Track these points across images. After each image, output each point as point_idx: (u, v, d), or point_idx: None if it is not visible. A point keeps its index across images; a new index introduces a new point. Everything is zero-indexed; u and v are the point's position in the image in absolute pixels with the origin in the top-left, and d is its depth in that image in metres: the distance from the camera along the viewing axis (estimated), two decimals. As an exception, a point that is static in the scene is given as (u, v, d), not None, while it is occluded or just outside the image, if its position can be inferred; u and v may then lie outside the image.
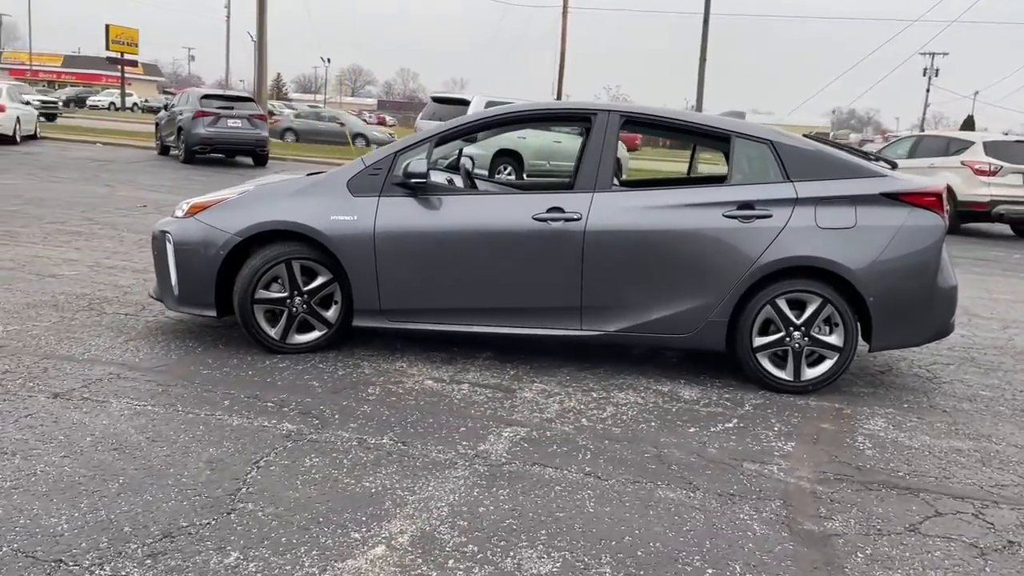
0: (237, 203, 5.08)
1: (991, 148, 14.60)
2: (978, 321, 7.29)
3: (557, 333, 4.93)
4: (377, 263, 4.89)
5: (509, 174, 16.29)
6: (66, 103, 37.20)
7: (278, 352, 5.02)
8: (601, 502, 3.29)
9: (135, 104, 60.68)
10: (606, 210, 4.81)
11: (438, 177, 5.62)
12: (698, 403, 4.60)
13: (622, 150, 18.68)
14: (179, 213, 5.22)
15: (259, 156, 19.91)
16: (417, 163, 4.82)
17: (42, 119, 35.46)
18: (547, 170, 16.27)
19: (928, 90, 69.96)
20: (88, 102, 58.20)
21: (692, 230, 4.77)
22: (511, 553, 2.85)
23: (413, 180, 4.84)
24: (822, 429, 4.31)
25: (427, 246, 4.88)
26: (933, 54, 68.74)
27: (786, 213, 4.76)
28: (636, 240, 4.77)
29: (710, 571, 2.83)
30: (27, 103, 24.72)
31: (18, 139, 21.69)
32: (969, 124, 63.80)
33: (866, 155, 5.38)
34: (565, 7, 37.67)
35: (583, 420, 4.22)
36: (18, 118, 21.73)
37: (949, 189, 14.02)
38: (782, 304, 4.77)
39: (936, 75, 70.37)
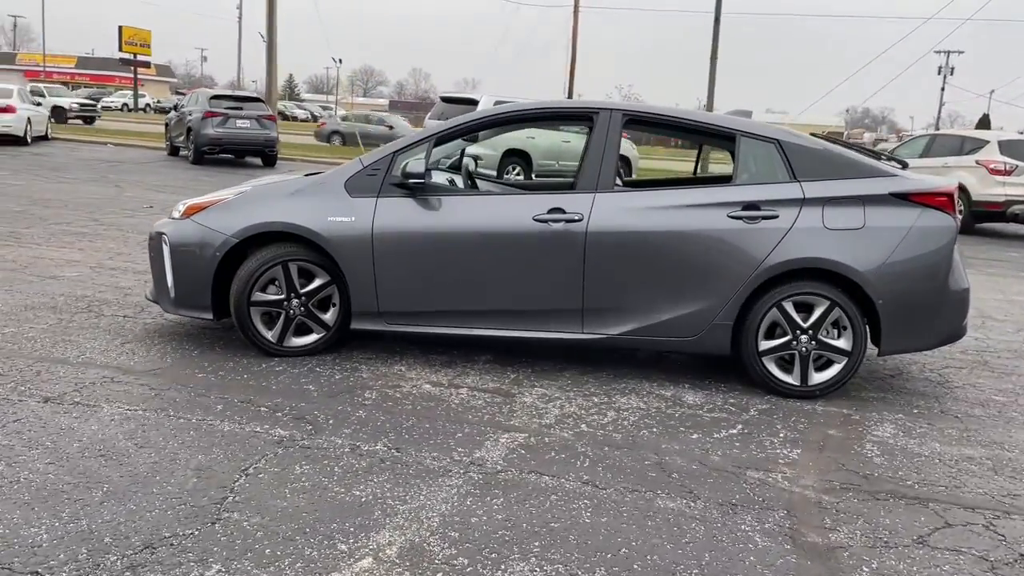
0: (234, 204, 5.01)
1: (1006, 147, 14.40)
2: (992, 324, 7.15)
3: (558, 336, 4.83)
4: (375, 265, 4.80)
5: (518, 174, 16.20)
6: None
7: (275, 355, 4.95)
8: (598, 512, 3.19)
9: (147, 105, 60.94)
10: (608, 211, 4.71)
11: (439, 177, 5.54)
12: (702, 408, 4.50)
13: (632, 149, 18.55)
14: (176, 214, 5.15)
15: (268, 156, 19.90)
16: (415, 163, 4.74)
17: (79, 121, 35.81)
18: (556, 170, 16.16)
19: (943, 88, 69.44)
20: (101, 103, 58.47)
21: (696, 231, 4.66)
22: (502, 566, 2.76)
23: (411, 180, 4.76)
24: (829, 436, 4.20)
25: (426, 247, 4.79)
26: (948, 52, 68.22)
27: (793, 214, 4.65)
28: (639, 241, 4.67)
29: (709, 586, 2.73)
30: (38, 104, 24.79)
31: (29, 140, 21.75)
32: (984, 123, 63.27)
33: (876, 154, 5.26)
34: (576, 6, 37.55)
35: (583, 426, 4.12)
36: (29, 119, 21.79)
37: (964, 189, 13.84)
38: (789, 307, 4.66)
39: (951, 73, 69.84)
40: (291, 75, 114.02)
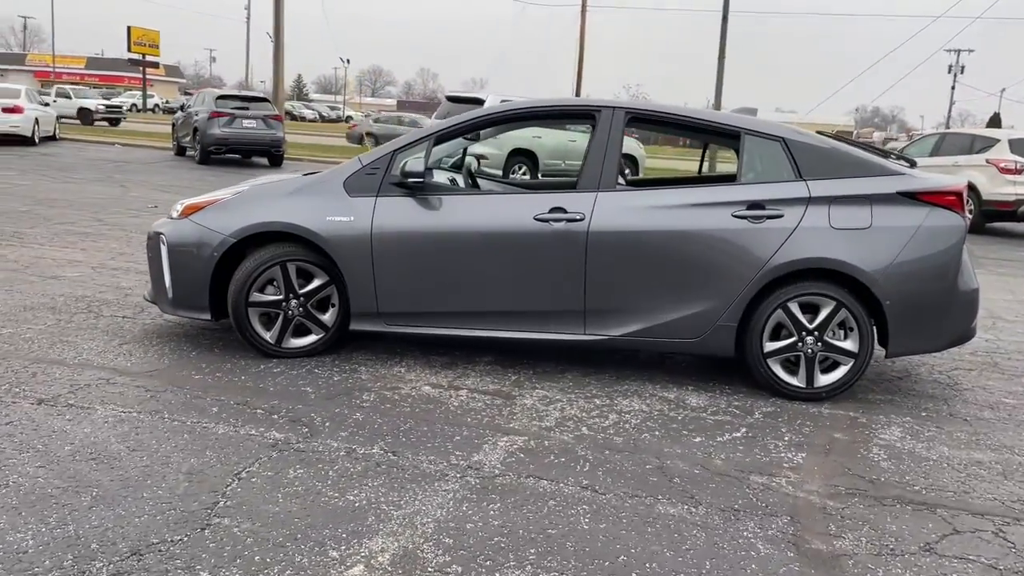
0: (232, 204, 4.95)
1: (1017, 146, 14.25)
2: (1002, 324, 7.04)
3: (559, 338, 4.76)
4: (374, 265, 4.75)
5: (524, 174, 16.12)
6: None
7: (274, 357, 4.89)
8: (597, 518, 3.12)
9: (156, 106, 61.08)
10: (610, 210, 4.64)
11: (441, 177, 5.48)
12: (705, 411, 4.42)
13: (639, 149, 18.46)
14: (174, 214, 5.10)
15: (274, 156, 19.88)
16: (414, 162, 4.68)
17: (105, 123, 35.98)
18: (562, 170, 16.08)
19: (953, 87, 69.08)
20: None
21: (699, 231, 4.59)
22: (496, 574, 2.69)
23: (410, 180, 4.69)
24: (835, 439, 4.12)
25: (425, 247, 4.73)
26: (959, 51, 67.87)
27: (798, 213, 4.57)
28: (641, 241, 4.60)
29: (709, 595, 2.66)
30: (46, 104, 24.86)
31: (36, 140, 21.82)
32: (995, 121, 62.86)
33: (884, 153, 5.17)
34: (584, 5, 37.47)
35: (583, 429, 4.05)
36: (36, 119, 21.87)
37: (974, 188, 13.71)
38: (794, 308, 4.58)
39: (962, 72, 69.47)
40: (299, 75, 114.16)
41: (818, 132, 5.07)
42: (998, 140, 14.67)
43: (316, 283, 4.88)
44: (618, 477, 3.50)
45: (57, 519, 2.86)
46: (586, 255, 4.61)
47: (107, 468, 3.27)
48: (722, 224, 4.58)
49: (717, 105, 26.61)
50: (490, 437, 3.87)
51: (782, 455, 3.86)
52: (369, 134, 32.20)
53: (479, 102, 14.52)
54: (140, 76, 53.50)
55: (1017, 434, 4.35)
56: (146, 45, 54.78)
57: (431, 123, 27.11)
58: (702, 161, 6.73)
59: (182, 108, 22.82)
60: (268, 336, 4.87)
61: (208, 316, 4.95)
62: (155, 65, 58.39)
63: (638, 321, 4.68)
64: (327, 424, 3.90)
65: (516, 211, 4.72)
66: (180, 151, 21.66)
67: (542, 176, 15.82)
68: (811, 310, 4.59)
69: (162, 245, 4.98)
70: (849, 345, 4.60)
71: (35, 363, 4.55)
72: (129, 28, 53.84)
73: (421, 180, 4.69)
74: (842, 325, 4.60)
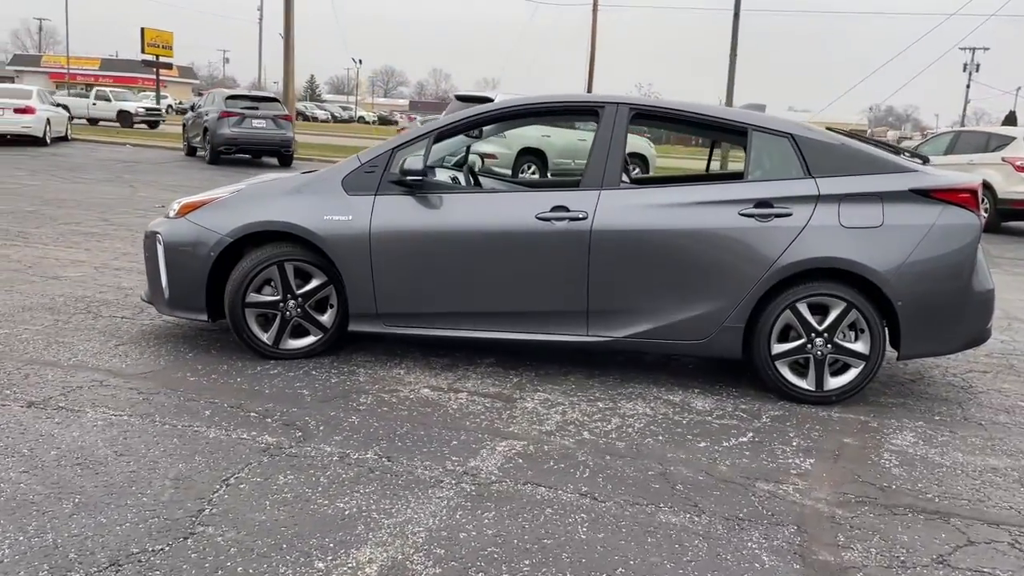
0: (229, 203, 4.87)
1: (1034, 144, 14.03)
2: (1019, 326, 6.88)
3: (562, 339, 4.65)
4: (373, 265, 4.65)
5: (533, 173, 16.01)
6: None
7: (271, 358, 4.80)
8: (595, 527, 3.01)
9: (169, 107, 61.23)
10: (614, 209, 4.52)
11: (443, 175, 5.39)
12: (711, 415, 4.30)
13: (649, 148, 18.30)
14: (171, 213, 5.02)
15: (284, 156, 19.85)
16: (414, 160, 4.58)
17: (144, 126, 36.23)
18: (571, 169, 15.94)
19: (968, 86, 68.43)
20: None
21: (705, 230, 4.46)
22: (488, 586, 2.59)
23: (409, 178, 4.59)
24: (845, 444, 3.99)
25: (425, 247, 4.63)
26: (973, 49, 67.21)
27: (807, 211, 4.44)
28: (645, 240, 4.48)
29: (710, 609, 2.55)
30: (58, 105, 24.93)
31: (48, 141, 21.89)
32: (1011, 120, 62.31)
33: (896, 150, 5.04)
34: (595, 5, 37.32)
35: (585, 433, 3.94)
36: (48, 120, 21.94)
37: (989, 186, 13.50)
38: (803, 309, 4.45)
39: (977, 70, 68.81)
40: (312, 76, 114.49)
41: (828, 129, 4.94)
42: (1014, 138, 14.45)
43: (314, 283, 4.79)
44: (619, 484, 3.39)
45: (36, 527, 2.77)
46: (589, 254, 4.50)
47: (92, 474, 3.19)
48: (729, 223, 4.46)
49: (729, 103, 26.41)
50: (488, 442, 3.76)
51: (790, 461, 3.74)
52: None
53: (488, 101, 14.40)
54: (154, 77, 53.69)
55: (1034, 439, 4.21)
56: (160, 46, 54.93)
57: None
58: (709, 159, 6.61)
59: (192, 108, 22.82)
60: (265, 337, 4.79)
61: (205, 317, 4.87)
62: (168, 66, 58.56)
63: (642, 322, 4.56)
64: (321, 428, 3.81)
65: (517, 210, 4.61)
66: (191, 151, 21.67)
67: (551, 175, 15.70)
68: (821, 311, 4.47)
69: (158, 245, 4.91)
70: (860, 347, 4.47)
71: (29, 364, 4.48)
72: (143, 30, 54.01)
73: (420, 178, 4.59)
74: (853, 327, 4.47)
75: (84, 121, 37.43)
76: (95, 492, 3.03)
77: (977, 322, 4.60)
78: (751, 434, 4.05)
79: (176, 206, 5.00)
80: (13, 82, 48.74)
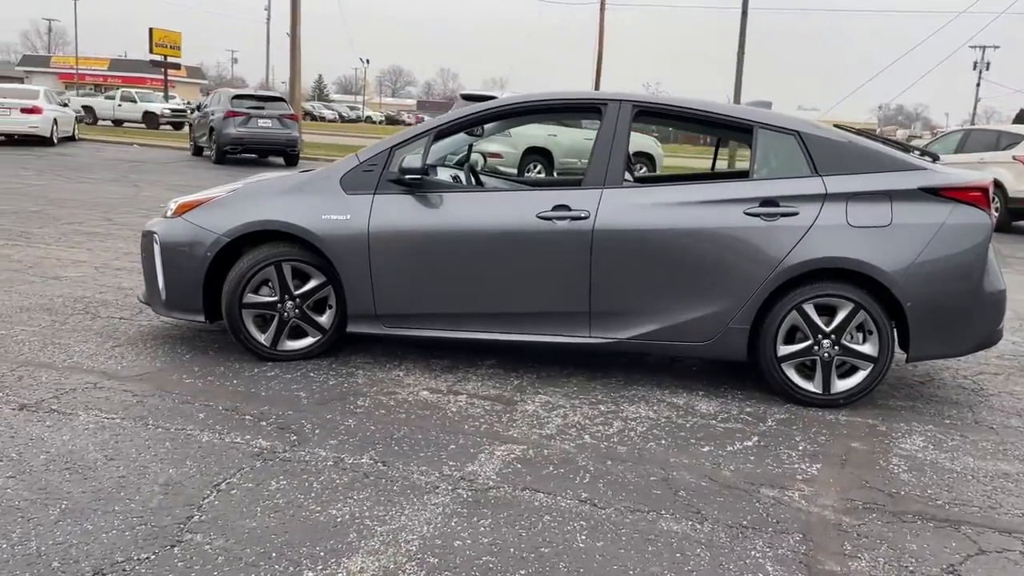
0: (226, 202, 4.80)
1: (1045, 142, 13.88)
2: (1030, 326, 6.77)
3: (564, 341, 4.57)
4: (371, 265, 4.58)
5: (539, 172, 15.93)
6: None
7: (269, 360, 4.74)
8: (594, 535, 2.92)
9: (195, 108, 61.34)
10: (616, 208, 4.44)
11: (445, 174, 5.31)
12: (715, 418, 4.21)
13: (656, 147, 18.19)
14: (168, 213, 4.96)
15: (290, 156, 19.81)
16: (412, 158, 4.50)
17: (170, 127, 36.43)
18: (578, 168, 15.86)
19: (978, 84, 68.04)
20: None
21: (710, 229, 4.38)
22: (482, 597, 2.51)
23: (408, 176, 4.52)
24: (852, 449, 3.90)
25: (424, 247, 4.56)
26: (983, 47, 66.83)
27: (814, 210, 4.35)
28: (648, 240, 4.40)
29: (711, 621, 2.46)
30: (65, 105, 24.96)
31: (55, 140, 21.91)
32: (1022, 118, 61.84)
33: (905, 148, 4.94)
34: (603, 4, 37.21)
35: (586, 437, 3.86)
36: (55, 120, 21.96)
37: (1000, 185, 13.36)
38: (809, 310, 4.36)
39: (987, 69, 68.40)
40: (320, 76, 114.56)
41: (836, 126, 4.84)
42: (1025, 136, 14.29)
43: (312, 284, 4.72)
44: (619, 490, 3.30)
45: (20, 534, 2.70)
46: (591, 254, 4.42)
47: (80, 479, 3.12)
48: (734, 222, 4.37)
49: (736, 102, 26.25)
50: (487, 446, 3.68)
51: (795, 466, 3.65)
52: None
53: (494, 100, 14.32)
54: (162, 77, 53.74)
55: (1047, 444, 4.11)
56: (168, 47, 55.05)
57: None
58: (715, 157, 6.51)
59: (199, 108, 22.82)
60: (263, 338, 4.72)
61: (202, 318, 4.80)
62: (177, 67, 58.71)
63: (645, 323, 4.47)
64: (317, 431, 3.73)
65: (518, 209, 4.53)
66: (197, 151, 21.66)
67: (558, 175, 15.61)
68: (828, 312, 4.37)
69: (155, 245, 4.84)
70: (868, 349, 4.38)
71: (23, 366, 4.42)
72: (151, 30, 54.13)
73: (419, 177, 4.51)
74: (860, 328, 4.38)
75: (109, 122, 37.57)
76: (82, 498, 2.97)
77: (988, 324, 4.50)
78: (756, 438, 3.96)
79: (173, 206, 4.94)
80: (23, 82, 48.97)
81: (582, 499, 3.20)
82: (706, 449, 3.79)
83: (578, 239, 4.42)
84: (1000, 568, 2.86)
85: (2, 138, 21.43)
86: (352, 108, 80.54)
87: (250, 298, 4.67)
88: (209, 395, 4.14)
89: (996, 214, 10.32)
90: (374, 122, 70.68)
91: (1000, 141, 14.59)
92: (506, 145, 15.46)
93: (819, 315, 4.37)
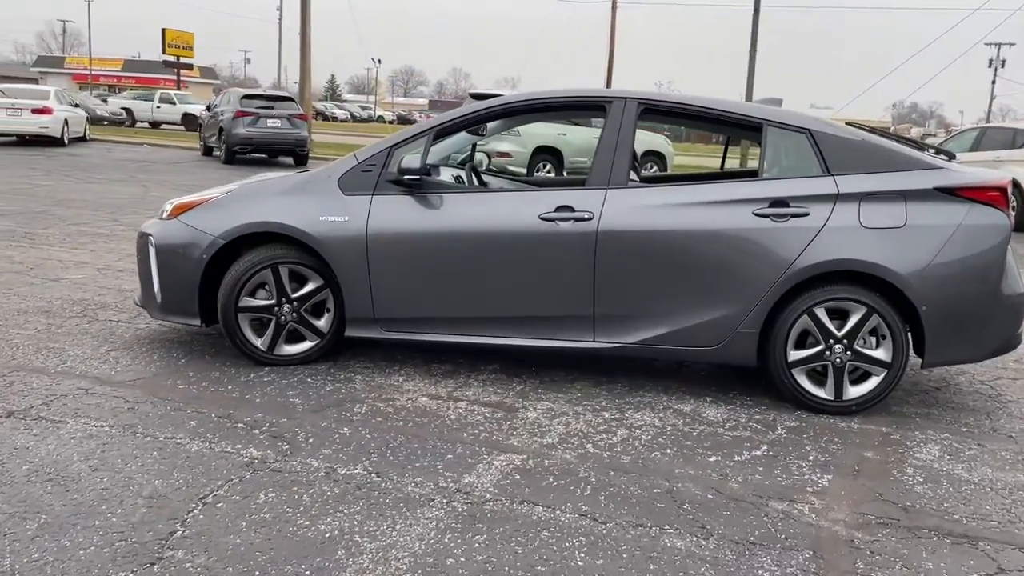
0: (222, 203, 4.70)
1: (1063, 140, 13.64)
2: (1049, 329, 6.58)
3: (567, 345, 4.44)
4: (370, 267, 4.46)
5: (548, 171, 15.80)
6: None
7: (266, 364, 4.63)
8: (594, 552, 2.80)
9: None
10: (621, 209, 4.31)
11: (447, 174, 5.19)
12: (723, 425, 4.07)
13: (667, 145, 18.02)
14: (163, 214, 4.86)
15: (299, 156, 19.74)
16: (411, 158, 4.38)
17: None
18: (588, 168, 15.75)
19: (993, 82, 67.36)
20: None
21: (718, 230, 4.24)
22: (473, 620, 2.38)
23: (407, 177, 4.40)
24: (865, 459, 3.76)
25: (423, 249, 4.44)
26: (999, 44, 66.15)
27: (825, 211, 4.20)
28: (654, 241, 4.27)
29: (715, 647, 2.33)
30: (75, 105, 25.00)
31: (66, 141, 21.92)
32: (1038, 116, 61.21)
33: (920, 146, 4.79)
34: (614, 2, 37.04)
35: (588, 446, 3.73)
36: (66, 120, 21.98)
37: (1018, 184, 13.13)
38: (821, 313, 4.22)
39: (1003, 66, 67.71)
40: (332, 76, 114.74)
41: (847, 124, 4.69)
42: (1043, 134, 14.06)
43: (310, 287, 4.61)
44: (622, 503, 3.17)
45: (-5, 550, 2.60)
46: (595, 256, 4.29)
47: (62, 491, 3.02)
48: (742, 223, 4.24)
49: (748, 99, 26.03)
50: (485, 456, 3.56)
51: (806, 477, 3.51)
52: None
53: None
54: (175, 78, 53.91)
55: (1069, 453, 3.96)
56: (180, 47, 55.21)
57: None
58: (724, 156, 6.36)
59: (209, 108, 22.80)
60: (259, 343, 4.61)
61: (198, 322, 4.70)
62: (189, 67, 58.91)
63: (651, 327, 4.34)
64: (310, 440, 3.62)
65: (520, 210, 4.41)
66: (207, 151, 21.63)
67: (567, 174, 15.47)
68: (840, 316, 4.23)
69: (150, 247, 4.75)
70: (881, 354, 4.23)
71: (15, 371, 4.33)
72: (164, 30, 54.29)
73: (417, 177, 4.39)
74: (874, 332, 4.24)
75: (147, 124, 37.62)
76: (62, 512, 2.86)
77: (1006, 327, 4.34)
78: (765, 447, 3.82)
79: (169, 207, 4.84)
80: (37, 83, 49.17)
81: (582, 513, 3.08)
82: (713, 459, 3.66)
83: (581, 241, 4.29)
84: (1021, 588, 2.72)
85: (13, 138, 21.47)
86: (364, 108, 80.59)
87: (246, 301, 4.57)
88: (202, 401, 4.03)
89: (1014, 214, 10.12)
90: (386, 122, 70.67)
91: (1016, 139, 14.36)
92: (515, 144, 15.34)
93: (831, 319, 4.23)
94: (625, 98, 4.52)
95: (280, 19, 67.40)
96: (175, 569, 2.55)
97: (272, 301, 4.59)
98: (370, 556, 2.68)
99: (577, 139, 15.89)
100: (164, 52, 52.84)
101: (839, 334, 4.21)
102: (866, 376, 4.28)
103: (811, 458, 3.72)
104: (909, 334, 4.27)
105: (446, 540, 2.81)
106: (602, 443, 3.77)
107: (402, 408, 4.09)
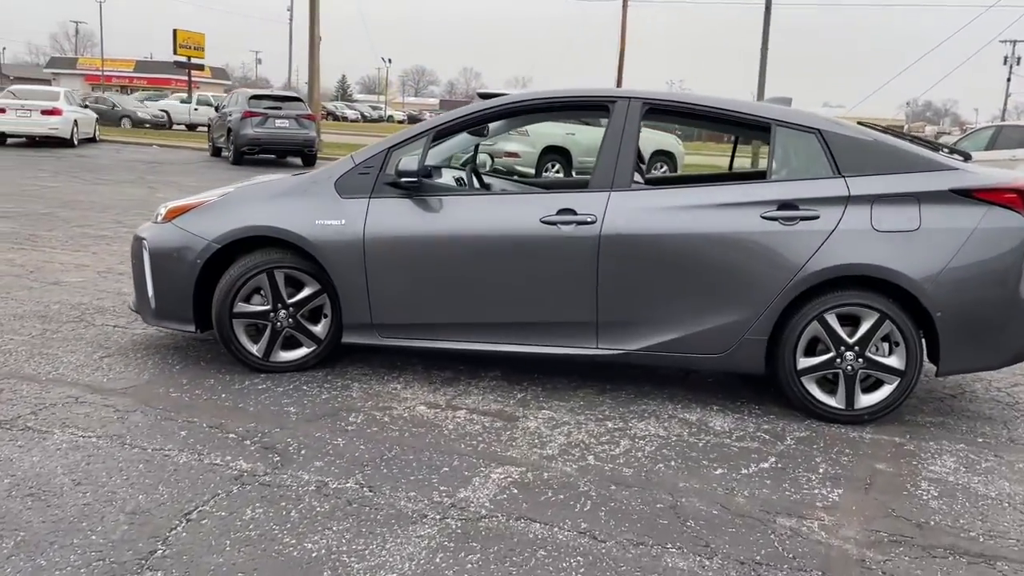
0: (217, 206, 4.60)
1: (1081, 138, 13.42)
2: (1068, 333, 6.41)
3: (569, 352, 4.32)
4: (367, 272, 4.35)
5: (557, 172, 15.67)
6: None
7: (262, 371, 4.53)
8: (592, 572, 2.67)
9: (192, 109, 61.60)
10: (624, 212, 4.18)
11: (449, 176, 5.07)
12: (730, 436, 3.94)
13: (677, 145, 17.85)
14: (158, 218, 4.77)
15: (307, 156, 19.68)
16: (409, 160, 4.26)
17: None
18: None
19: (1009, 79, 66.75)
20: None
21: (724, 234, 4.11)
22: (463, 648, 2.27)
23: (404, 179, 4.29)
24: (877, 471, 3.62)
25: (422, 253, 4.32)
26: (1014, 42, 65.55)
27: (836, 213, 4.07)
28: (659, 245, 4.14)
29: (717, 678, 2.21)
30: (85, 107, 25.03)
31: (75, 142, 21.95)
32: (1054, 114, 60.59)
33: (935, 146, 4.64)
34: (625, 1, 36.83)
35: (590, 458, 3.61)
36: (76, 121, 21.99)
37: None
38: (832, 320, 4.08)
39: (1018, 63, 67.09)
40: (344, 76, 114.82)
41: (858, 123, 4.55)
42: (1060, 132, 13.84)
43: (307, 292, 4.51)
44: (623, 519, 3.05)
45: (-32, 571, 2.50)
46: (598, 261, 4.17)
47: (43, 506, 2.92)
48: (750, 226, 4.10)
49: (760, 98, 25.82)
50: (483, 468, 3.44)
51: (815, 491, 3.38)
52: None
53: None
54: (186, 79, 54.06)
55: (1090, 465, 3.80)
56: (192, 48, 55.29)
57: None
58: (732, 156, 6.22)
59: (217, 109, 22.77)
60: (255, 349, 4.51)
61: (193, 328, 4.60)
62: (200, 67, 59.01)
63: (656, 334, 4.21)
64: (303, 451, 3.51)
65: (521, 213, 4.29)
66: (216, 152, 21.61)
67: (576, 175, 15.34)
68: (851, 322, 4.09)
69: (144, 251, 4.65)
70: (894, 362, 4.09)
71: (5, 379, 4.25)
72: (175, 31, 54.41)
73: (415, 180, 4.27)
74: (886, 339, 4.10)
75: (183, 127, 37.69)
76: (41, 528, 2.76)
77: (1024, 334, 4.19)
78: (773, 459, 3.69)
79: (163, 210, 4.75)
80: (50, 84, 49.36)
81: (581, 530, 2.95)
82: (719, 472, 3.53)
83: (584, 245, 4.17)
84: (1042, 613, 2.58)
85: (23, 140, 21.50)
86: (374, 108, 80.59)
87: (241, 307, 4.47)
88: (194, 410, 3.93)
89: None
90: (396, 121, 70.64)
91: (1033, 137, 14.14)
92: (524, 144, 15.23)
93: (842, 325, 4.09)
94: (629, 97, 4.40)
95: (291, 20, 67.45)
96: (152, 592, 2.44)
97: (268, 307, 4.48)
98: (357, 577, 2.57)
99: (586, 139, 15.74)
100: (175, 53, 52.96)
101: (850, 341, 4.07)
102: (878, 384, 4.14)
103: (821, 471, 3.59)
104: (923, 341, 4.13)
105: (437, 560, 2.70)
106: (604, 455, 3.65)
107: (399, 417, 3.98)
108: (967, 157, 4.46)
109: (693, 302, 4.16)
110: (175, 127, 37.40)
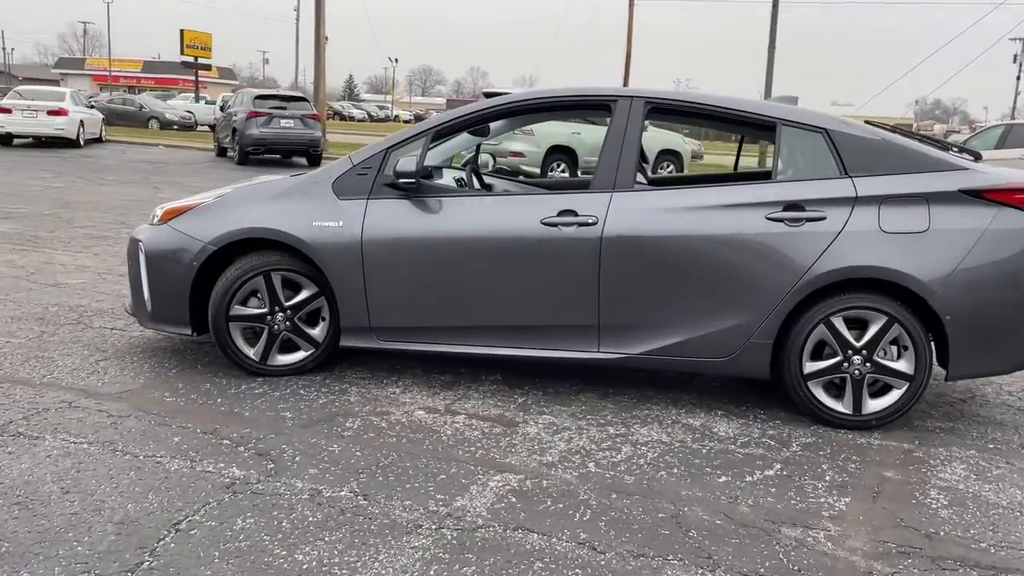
0: (213, 208, 4.54)
1: (1092, 137, 13.27)
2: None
3: (570, 356, 4.24)
4: (365, 275, 4.28)
5: (563, 171, 15.58)
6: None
7: (259, 375, 4.46)
8: (590, 586, 2.60)
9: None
10: (626, 213, 4.10)
11: (449, 176, 5.00)
12: (735, 442, 3.86)
13: (683, 143, 17.74)
14: (154, 220, 4.71)
15: (312, 156, 19.62)
16: (406, 161, 4.19)
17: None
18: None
19: (1018, 77, 66.32)
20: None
21: (729, 235, 4.02)
22: (455, 667, 2.19)
23: (403, 180, 4.21)
24: (885, 479, 3.53)
25: (421, 255, 4.25)
26: (1023, 39, 65.12)
27: (843, 214, 3.98)
28: (662, 247, 4.06)
29: None
30: (91, 107, 25.04)
31: (82, 142, 21.94)
32: (1064, 112, 60.17)
33: (944, 145, 4.54)
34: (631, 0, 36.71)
35: (590, 465, 3.53)
36: (82, 121, 21.99)
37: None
38: (838, 323, 3.99)
39: (1028, 61, 66.63)
40: (351, 75, 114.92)
41: (866, 122, 4.46)
42: (1071, 131, 13.69)
43: (304, 295, 4.44)
44: (623, 529, 2.97)
45: (-51, 584, 2.44)
46: (599, 263, 4.09)
47: (29, 516, 2.85)
48: (755, 228, 4.02)
49: (767, 97, 25.68)
50: (480, 476, 3.37)
51: (821, 500, 3.29)
52: None
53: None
54: (194, 79, 54.13)
55: (1104, 473, 3.71)
56: (199, 48, 55.35)
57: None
58: (738, 155, 6.13)
59: (222, 109, 22.75)
60: (252, 353, 4.45)
61: (189, 331, 4.54)
62: (208, 67, 59.07)
63: (659, 337, 4.13)
64: (297, 458, 3.44)
65: (521, 214, 4.21)
66: (221, 152, 21.58)
67: (582, 174, 15.25)
68: (859, 326, 4.01)
69: (140, 253, 4.60)
70: (903, 366, 4.00)
71: (-1, 383, 4.19)
72: (182, 31, 54.46)
73: (413, 181, 4.20)
74: (895, 343, 4.01)
75: (207, 128, 37.73)
76: (26, 539, 2.70)
77: (1037, 338, 4.09)
78: (778, 466, 3.61)
79: (159, 212, 4.69)
80: (58, 84, 49.50)
81: (580, 541, 2.88)
82: (723, 479, 3.44)
83: (585, 247, 4.09)
84: (1056, 629, 2.50)
85: (29, 140, 21.51)
86: (381, 107, 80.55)
87: (238, 310, 4.40)
88: (188, 415, 3.87)
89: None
90: (402, 121, 70.61)
91: (1044, 136, 13.99)
92: (529, 144, 15.15)
93: (849, 329, 4.00)
94: (631, 97, 4.32)
95: (297, 20, 67.50)
96: (137, 606, 2.37)
97: (265, 310, 4.42)
98: (348, 591, 2.50)
99: (592, 138, 15.64)
100: (182, 53, 53.00)
101: (858, 345, 3.99)
102: (887, 389, 4.05)
103: (827, 478, 3.50)
104: (932, 344, 4.04)
105: (431, 573, 2.62)
106: (605, 461, 3.57)
107: (396, 423, 3.91)
108: (977, 156, 4.37)
109: (696, 305, 4.08)
110: (199, 128, 37.46)
